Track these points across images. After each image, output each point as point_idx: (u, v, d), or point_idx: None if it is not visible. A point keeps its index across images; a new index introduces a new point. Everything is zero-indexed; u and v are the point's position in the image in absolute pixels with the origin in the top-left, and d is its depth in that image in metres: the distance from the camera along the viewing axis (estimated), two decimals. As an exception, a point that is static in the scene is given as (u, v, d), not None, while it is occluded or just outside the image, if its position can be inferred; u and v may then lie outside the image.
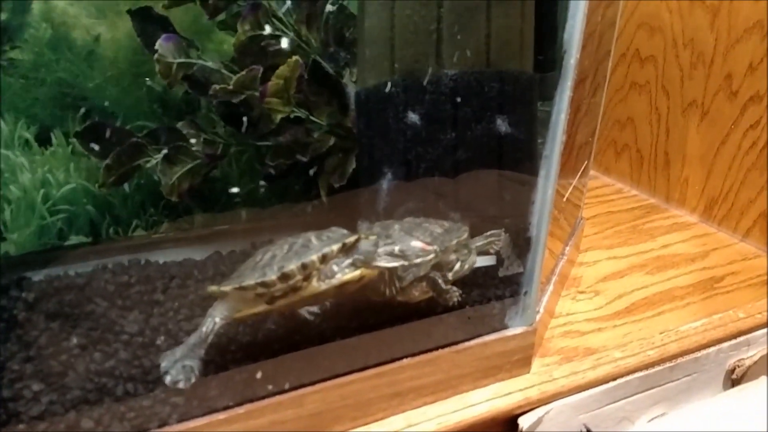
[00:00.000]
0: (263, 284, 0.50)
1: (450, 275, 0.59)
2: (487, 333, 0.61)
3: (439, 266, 0.58)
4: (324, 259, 0.51)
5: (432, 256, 0.57)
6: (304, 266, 0.50)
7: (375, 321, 0.57)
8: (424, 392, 0.59)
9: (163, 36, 0.59)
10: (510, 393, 0.62)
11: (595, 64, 0.78)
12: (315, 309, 0.59)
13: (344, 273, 0.52)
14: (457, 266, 0.59)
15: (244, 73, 0.61)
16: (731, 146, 0.93)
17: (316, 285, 0.52)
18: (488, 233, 0.63)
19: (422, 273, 0.58)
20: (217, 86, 0.61)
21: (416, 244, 0.56)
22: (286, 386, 0.54)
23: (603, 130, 1.12)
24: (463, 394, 0.61)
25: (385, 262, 0.54)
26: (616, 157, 1.11)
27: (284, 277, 0.50)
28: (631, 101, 1.06)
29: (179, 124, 0.64)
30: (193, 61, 0.61)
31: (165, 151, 0.64)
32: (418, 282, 0.58)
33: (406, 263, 0.55)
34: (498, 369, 0.62)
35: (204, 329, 0.52)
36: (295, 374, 0.54)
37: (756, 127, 0.89)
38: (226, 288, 0.52)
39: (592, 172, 1.13)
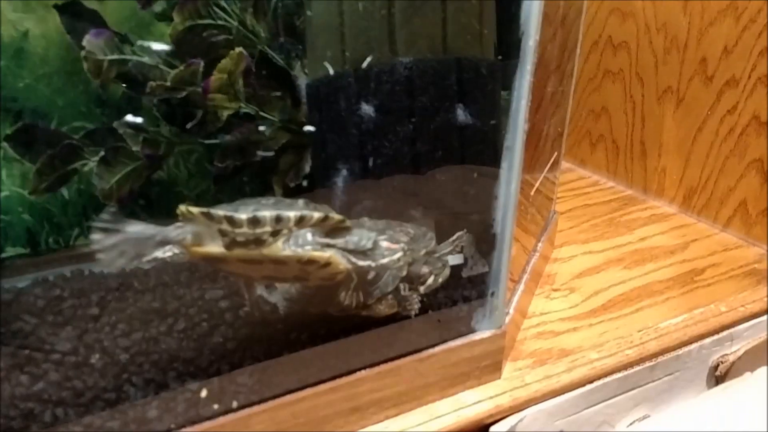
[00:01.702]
0: (231, 220, 0.46)
1: (422, 289, 0.55)
2: (453, 338, 0.57)
3: (410, 279, 0.55)
4: (300, 221, 0.47)
5: (399, 255, 0.53)
6: (278, 219, 0.46)
7: (329, 330, 0.53)
8: (386, 405, 0.55)
9: (92, 31, 0.55)
10: (480, 401, 0.58)
11: (563, 51, 0.74)
12: (270, 298, 0.54)
13: (314, 248, 0.48)
14: (431, 280, 0.55)
15: (182, 68, 0.57)
16: (708, 133, 0.89)
17: (281, 247, 0.47)
18: (455, 237, 0.59)
19: (390, 288, 0.54)
20: (153, 83, 0.57)
21: (384, 243, 0.52)
22: (234, 405, 0.49)
23: (577, 120, 1.08)
24: (429, 405, 0.57)
25: (354, 261, 0.50)
26: (592, 148, 1.08)
27: (254, 221, 0.46)
28: (605, 90, 1.03)
29: (115, 124, 0.59)
30: (127, 57, 0.57)
31: (102, 153, 0.59)
32: (385, 297, 0.54)
33: (372, 264, 0.51)
34: (466, 376, 0.58)
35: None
36: (243, 392, 0.50)
37: (733, 112, 0.86)
38: (195, 210, 0.47)
39: (567, 165, 1.10)
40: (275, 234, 0.47)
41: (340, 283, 0.51)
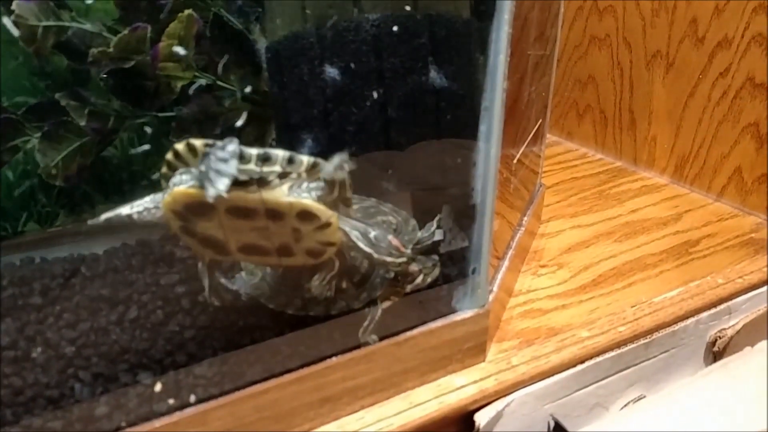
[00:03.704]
0: (240, 155, 0.41)
1: (408, 288, 0.51)
2: (433, 319, 0.53)
3: (396, 277, 0.50)
4: (313, 167, 0.43)
5: (403, 260, 0.48)
6: (291, 159, 0.42)
7: (295, 315, 0.49)
8: (360, 394, 0.50)
9: (23, -6, 0.49)
10: (463, 386, 0.54)
11: (546, 16, 0.70)
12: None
13: (311, 195, 0.43)
14: (419, 279, 0.51)
15: (126, 33, 0.52)
16: (700, 98, 0.85)
17: (286, 192, 0.42)
18: (435, 224, 0.54)
19: (377, 293, 0.50)
20: (95, 51, 0.52)
21: (393, 240, 0.47)
22: (191, 399, 0.45)
23: (563, 91, 1.04)
24: (408, 392, 0.53)
25: (355, 239, 0.46)
26: (579, 119, 1.03)
27: (265, 157, 0.41)
28: (592, 57, 0.98)
29: (58, 96, 0.54)
30: (66, 23, 0.52)
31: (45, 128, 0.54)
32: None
33: (375, 255, 0.47)
34: (447, 360, 0.54)
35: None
36: (202, 385, 0.45)
37: (726, 74, 0.81)
38: (198, 143, 0.41)
39: (554, 138, 1.06)
40: (283, 176, 0.42)
41: (321, 266, 0.47)
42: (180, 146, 0.42)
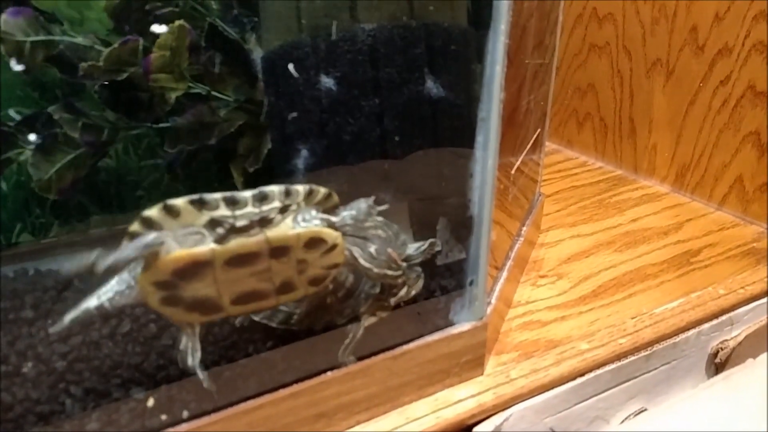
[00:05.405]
0: (231, 201, 0.39)
1: (392, 301, 0.50)
2: (430, 333, 0.52)
3: (381, 290, 0.50)
4: (309, 195, 0.42)
5: (399, 272, 0.48)
6: (287, 192, 0.41)
7: (289, 329, 0.48)
8: (356, 409, 0.49)
9: (9, 10, 0.49)
10: (461, 400, 0.53)
11: (544, 24, 0.69)
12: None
13: (316, 224, 0.42)
14: (403, 292, 0.50)
15: (116, 46, 0.51)
16: (701, 106, 0.84)
17: (290, 225, 0.41)
18: (426, 244, 0.53)
19: (363, 309, 0.49)
20: (85, 65, 0.51)
21: (392, 253, 0.47)
22: (184, 415, 0.44)
23: (563, 99, 1.03)
24: (404, 406, 0.52)
25: (357, 255, 0.45)
26: (579, 127, 1.03)
27: (261, 197, 0.39)
28: (591, 65, 0.98)
29: (51, 108, 0.53)
30: (55, 38, 0.51)
31: (38, 140, 0.54)
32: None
33: (375, 270, 0.46)
34: (445, 374, 0.53)
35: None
36: (195, 400, 0.45)
37: (726, 83, 0.81)
38: (179, 202, 0.37)
39: (553, 146, 1.05)
40: (284, 210, 0.41)
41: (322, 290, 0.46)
42: (153, 212, 0.38)
